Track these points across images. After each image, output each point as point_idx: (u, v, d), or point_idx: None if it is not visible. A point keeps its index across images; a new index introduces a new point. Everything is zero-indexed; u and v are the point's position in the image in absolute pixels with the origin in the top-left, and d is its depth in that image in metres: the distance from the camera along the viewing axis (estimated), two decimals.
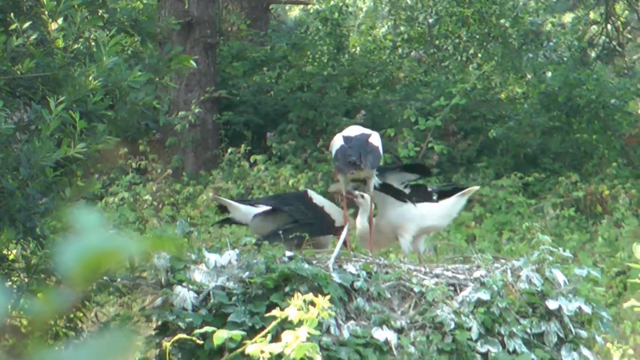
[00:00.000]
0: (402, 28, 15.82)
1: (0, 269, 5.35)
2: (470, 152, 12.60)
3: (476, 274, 6.04)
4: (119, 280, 5.75)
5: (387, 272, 5.99)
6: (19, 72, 5.10)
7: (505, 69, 14.79)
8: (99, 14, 5.59)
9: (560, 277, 5.99)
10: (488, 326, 5.80)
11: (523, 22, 15.61)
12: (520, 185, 11.53)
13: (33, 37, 5.11)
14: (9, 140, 5.02)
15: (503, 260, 6.35)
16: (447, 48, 15.33)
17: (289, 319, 4.49)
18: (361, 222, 6.56)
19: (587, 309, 5.92)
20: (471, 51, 15.20)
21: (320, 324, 4.77)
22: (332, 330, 5.61)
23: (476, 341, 5.76)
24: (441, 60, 15.20)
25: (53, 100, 4.84)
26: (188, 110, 12.05)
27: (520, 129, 12.87)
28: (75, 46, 5.20)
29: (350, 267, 5.93)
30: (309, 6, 16.48)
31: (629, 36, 17.55)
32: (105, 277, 5.54)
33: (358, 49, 15.57)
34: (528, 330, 5.84)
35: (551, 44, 16.42)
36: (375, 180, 6.29)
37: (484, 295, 5.84)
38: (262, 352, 4.42)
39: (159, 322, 5.75)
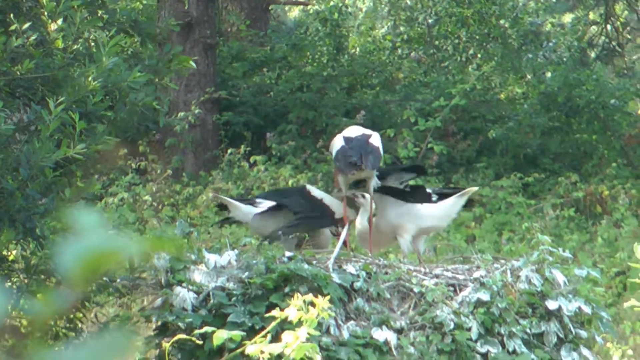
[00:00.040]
0: (401, 28, 15.82)
1: (0, 269, 5.35)
2: (470, 152, 12.60)
3: (476, 275, 6.04)
4: (118, 280, 5.75)
5: (386, 273, 5.99)
6: (18, 73, 5.10)
7: (505, 70, 14.79)
8: (99, 14, 5.59)
9: (560, 277, 5.99)
10: (488, 326, 5.80)
11: (523, 22, 15.62)
12: (520, 186, 11.53)
13: (33, 37, 5.11)
14: (8, 140, 5.02)
15: (503, 261, 6.35)
16: (447, 48, 15.33)
17: (289, 319, 4.49)
18: (361, 222, 6.56)
19: (586, 309, 5.92)
20: (471, 52, 15.20)
21: (320, 324, 4.78)
22: (331, 330, 5.61)
23: (476, 341, 5.76)
24: (441, 60, 15.20)
25: (52, 101, 4.84)
26: (188, 111, 12.06)
27: (520, 130, 12.88)
28: (75, 47, 5.21)
29: (350, 268, 5.93)
30: (309, 7, 16.48)
31: (629, 36, 17.55)
32: (104, 278, 5.54)
33: (358, 49, 15.57)
34: (528, 331, 5.84)
35: (551, 44, 16.42)
36: (375, 181, 6.29)
37: (484, 296, 5.84)
38: (262, 352, 4.42)
39: (159, 323, 5.75)
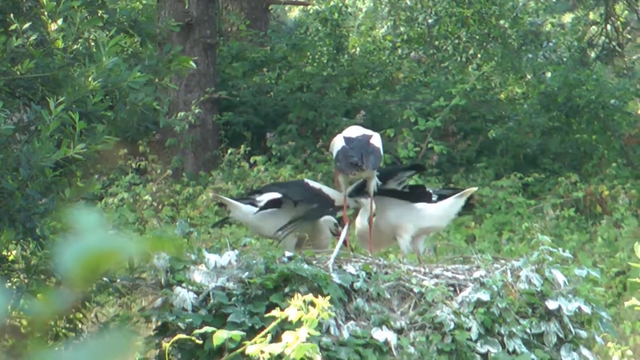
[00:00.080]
0: (401, 29, 15.82)
1: (0, 269, 5.35)
2: (469, 152, 12.60)
3: (476, 275, 6.04)
4: (118, 280, 5.75)
5: (386, 273, 5.99)
6: (18, 73, 5.10)
7: (505, 70, 14.79)
8: (99, 14, 5.59)
9: (559, 277, 5.99)
10: (488, 326, 5.80)
11: (523, 22, 15.62)
12: (520, 186, 11.53)
13: (33, 37, 5.11)
14: (8, 140, 5.02)
15: (503, 261, 6.35)
16: (447, 49, 15.33)
17: (289, 319, 4.49)
18: (361, 222, 6.56)
19: (586, 309, 5.92)
20: (471, 52, 15.20)
21: (320, 324, 4.78)
22: (331, 330, 5.62)
23: (476, 341, 5.76)
24: (441, 60, 15.20)
25: (53, 101, 4.84)
26: (188, 111, 12.05)
27: (520, 130, 12.88)
28: (75, 47, 5.21)
29: (350, 268, 5.93)
30: (309, 7, 16.48)
31: (629, 36, 17.55)
32: (104, 278, 5.54)
33: (358, 49, 15.57)
34: (528, 331, 5.84)
35: (551, 44, 16.42)
36: (375, 181, 6.29)
37: (484, 296, 5.84)
38: (262, 352, 4.42)
39: (159, 323, 5.75)
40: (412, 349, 5.67)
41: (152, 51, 5.80)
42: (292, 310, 4.49)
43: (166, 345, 5.07)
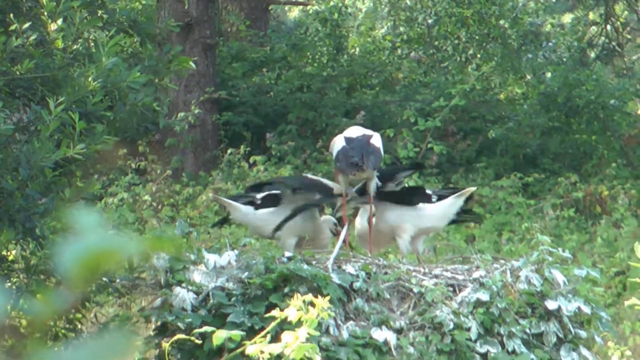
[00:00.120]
0: (401, 29, 15.82)
1: (0, 269, 5.36)
2: (469, 152, 12.60)
3: (475, 275, 6.04)
4: (118, 280, 5.75)
5: (386, 273, 5.99)
6: (18, 73, 5.10)
7: (505, 70, 14.80)
8: (98, 14, 5.59)
9: (559, 277, 6.00)
10: (487, 326, 5.80)
11: (522, 22, 15.62)
12: (520, 186, 11.53)
13: (32, 37, 5.11)
14: (8, 140, 5.02)
15: (502, 261, 6.35)
16: (447, 49, 15.33)
17: (289, 319, 4.49)
18: (360, 222, 6.56)
19: (586, 309, 5.92)
20: (470, 52, 15.20)
21: (319, 324, 4.78)
22: (331, 330, 5.62)
23: (475, 341, 5.76)
24: (440, 61, 15.20)
25: (52, 101, 4.84)
26: (187, 111, 12.05)
27: (520, 130, 12.88)
28: (75, 47, 5.21)
29: (350, 268, 5.93)
30: (309, 7, 16.48)
31: (629, 37, 17.55)
32: (104, 278, 5.54)
33: (357, 49, 15.57)
34: (527, 331, 5.85)
35: (550, 44, 16.42)
36: (375, 182, 6.29)
37: (483, 296, 5.84)
38: (261, 352, 4.42)
39: (158, 323, 5.75)
40: (411, 349, 5.67)
41: (151, 51, 5.80)
42: (292, 310, 4.49)
43: (166, 345, 5.07)
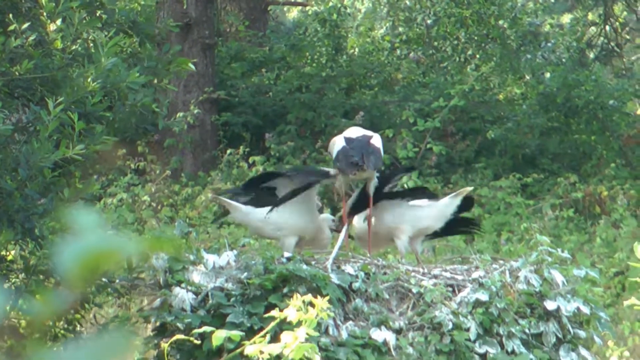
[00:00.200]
0: (400, 29, 15.83)
1: None
2: (468, 153, 12.61)
3: (474, 275, 6.04)
4: (117, 281, 5.75)
5: (385, 273, 5.99)
6: (17, 73, 5.10)
7: (504, 70, 14.80)
8: (97, 15, 5.58)
9: (558, 277, 6.00)
10: (486, 327, 5.81)
11: (521, 23, 15.62)
12: (519, 186, 11.54)
13: (31, 38, 5.11)
14: (7, 141, 5.02)
15: (501, 261, 6.35)
16: (446, 49, 15.34)
17: (288, 319, 4.49)
18: (359, 222, 6.56)
19: (585, 310, 5.92)
20: (469, 52, 15.21)
21: (318, 324, 4.78)
22: (330, 330, 5.62)
23: (474, 342, 5.76)
24: (440, 61, 15.21)
25: (51, 102, 4.84)
26: (186, 111, 12.05)
27: (519, 130, 12.88)
28: (74, 47, 5.21)
29: (349, 268, 5.93)
30: (308, 7, 16.48)
31: (628, 37, 17.56)
32: (103, 278, 5.54)
33: (356, 50, 15.57)
34: (526, 331, 5.85)
35: (550, 45, 16.43)
36: (375, 182, 6.29)
37: (483, 296, 5.84)
38: (261, 352, 4.42)
39: (158, 323, 5.75)
40: (410, 349, 5.67)
41: (150, 52, 5.80)
42: (291, 310, 4.49)
43: (165, 345, 5.07)
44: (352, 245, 6.94)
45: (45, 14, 5.11)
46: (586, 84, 12.62)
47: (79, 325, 5.78)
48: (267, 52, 13.94)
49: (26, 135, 5.16)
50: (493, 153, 12.69)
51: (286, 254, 5.98)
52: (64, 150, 4.85)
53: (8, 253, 5.43)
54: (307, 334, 4.38)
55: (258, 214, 6.43)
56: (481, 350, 5.75)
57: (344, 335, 5.63)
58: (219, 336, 4.45)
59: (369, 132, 6.38)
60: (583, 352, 5.90)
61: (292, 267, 5.67)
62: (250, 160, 11.72)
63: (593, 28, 17.02)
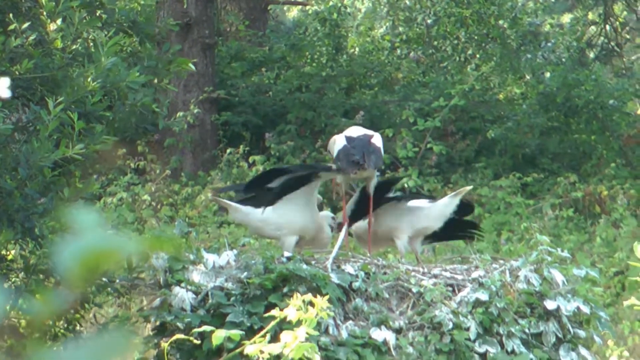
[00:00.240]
0: (400, 29, 15.83)
1: None
2: (468, 152, 12.61)
3: (474, 275, 6.04)
4: (117, 280, 5.75)
5: (385, 273, 5.99)
6: (17, 73, 5.10)
7: (504, 70, 14.80)
8: (97, 14, 5.59)
9: (558, 277, 6.00)
10: (486, 326, 5.81)
11: (521, 22, 15.62)
12: (519, 186, 11.54)
13: (32, 37, 5.11)
14: (7, 140, 5.02)
15: (501, 261, 6.35)
16: (446, 49, 15.34)
17: (288, 319, 4.49)
18: (359, 221, 6.56)
19: (585, 309, 5.92)
20: (470, 52, 15.21)
21: (318, 324, 4.78)
22: (330, 330, 5.62)
23: (474, 341, 5.76)
24: (440, 61, 15.21)
25: (51, 101, 4.84)
26: (186, 111, 12.05)
27: (519, 130, 12.89)
28: (74, 47, 5.21)
29: (349, 268, 5.93)
30: (308, 7, 16.48)
31: (628, 37, 17.56)
32: (103, 278, 5.54)
33: (356, 49, 15.57)
34: (526, 330, 5.85)
35: (550, 44, 16.43)
36: (375, 182, 6.29)
37: (482, 296, 5.84)
38: (261, 352, 4.42)
39: (157, 323, 5.75)
40: (410, 349, 5.67)
41: (150, 51, 5.80)
42: (291, 310, 4.49)
43: (165, 345, 5.07)
44: (352, 244, 6.94)
45: (45, 13, 5.11)
46: (586, 84, 12.62)
47: (78, 325, 5.78)
48: (267, 51, 13.94)
49: (26, 135, 5.16)
50: (493, 153, 12.70)
51: (286, 254, 5.98)
52: (63, 150, 4.85)
53: (8, 252, 5.43)
54: (307, 333, 4.38)
55: (258, 214, 6.42)
56: (481, 350, 5.75)
57: (344, 334, 5.63)
58: (219, 336, 4.45)
59: (369, 131, 6.38)
60: (583, 351, 5.90)
61: (292, 267, 5.67)
62: (250, 159, 11.72)
63: (593, 28, 17.02)
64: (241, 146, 11.90)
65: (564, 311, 5.87)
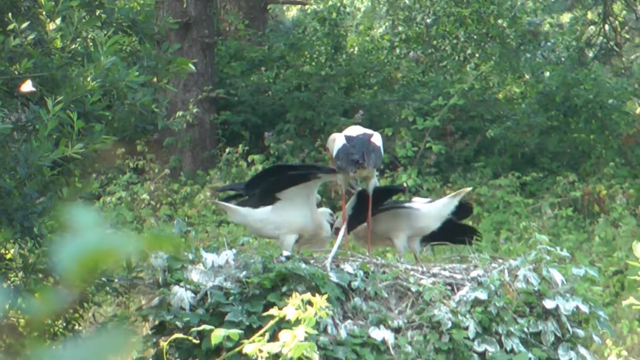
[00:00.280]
0: (400, 28, 15.83)
1: None
2: (468, 151, 12.61)
3: (473, 274, 6.04)
4: (116, 280, 5.75)
5: (384, 272, 5.99)
6: (16, 72, 5.10)
7: (503, 69, 14.80)
8: (97, 14, 5.59)
9: (557, 276, 6.00)
10: (485, 325, 5.81)
11: (521, 22, 15.62)
12: (518, 185, 11.54)
13: (31, 37, 5.11)
14: (6, 139, 5.02)
15: (500, 260, 6.35)
16: (445, 48, 15.34)
17: (287, 318, 4.49)
18: None
19: (584, 308, 5.92)
20: (469, 51, 15.20)
21: (317, 323, 4.78)
22: (329, 329, 5.62)
23: (473, 340, 5.76)
24: (439, 60, 15.21)
25: (51, 101, 4.85)
26: (186, 110, 12.05)
27: (518, 129, 12.89)
28: (73, 46, 5.21)
29: (348, 267, 5.94)
30: (307, 6, 16.48)
31: (627, 36, 17.56)
32: (102, 277, 5.55)
33: (356, 49, 15.57)
34: (525, 330, 5.85)
35: (549, 44, 16.43)
36: (374, 181, 6.29)
37: (481, 295, 5.85)
38: (259, 351, 4.42)
39: (156, 322, 5.75)
40: (409, 348, 5.67)
41: (150, 50, 5.80)
42: (290, 309, 4.49)
43: (164, 344, 5.07)
44: (351, 244, 6.94)
45: (44, 13, 5.12)
46: (585, 83, 12.63)
47: (77, 324, 5.78)
48: (266, 51, 13.94)
49: (25, 134, 5.16)
50: (492, 152, 12.70)
51: (285, 253, 5.98)
52: (63, 149, 4.85)
53: (7, 252, 5.44)
54: (306, 332, 4.38)
55: (257, 215, 6.42)
56: (480, 349, 5.75)
57: (343, 334, 5.63)
58: (218, 335, 4.45)
59: (369, 131, 6.38)
60: (582, 350, 5.90)
61: (291, 266, 5.67)
62: (249, 159, 11.72)
63: (592, 27, 17.02)
64: (240, 145, 11.90)
65: (563, 310, 5.88)
